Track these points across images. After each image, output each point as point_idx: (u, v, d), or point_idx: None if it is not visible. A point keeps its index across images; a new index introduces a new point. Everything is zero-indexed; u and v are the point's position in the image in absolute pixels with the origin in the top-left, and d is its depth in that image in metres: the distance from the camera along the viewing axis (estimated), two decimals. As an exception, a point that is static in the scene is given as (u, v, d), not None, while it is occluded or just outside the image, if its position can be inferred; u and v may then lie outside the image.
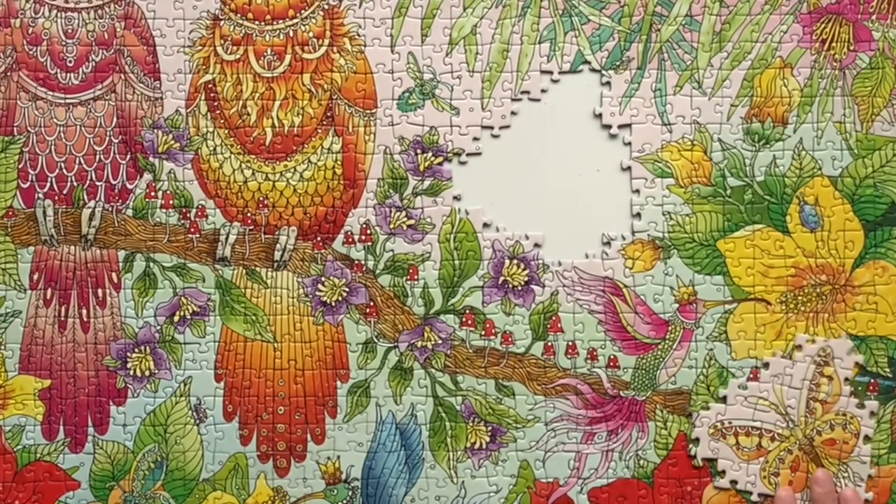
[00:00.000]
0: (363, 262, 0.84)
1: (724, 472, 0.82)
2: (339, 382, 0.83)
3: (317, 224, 0.84)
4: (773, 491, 0.82)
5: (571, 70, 0.85)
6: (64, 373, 0.83)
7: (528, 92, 0.85)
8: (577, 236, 0.84)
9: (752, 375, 0.83)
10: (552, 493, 0.83)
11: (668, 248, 0.84)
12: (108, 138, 0.83)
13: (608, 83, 0.85)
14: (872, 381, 0.83)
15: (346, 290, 0.83)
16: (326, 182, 0.84)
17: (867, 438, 0.82)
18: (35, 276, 0.83)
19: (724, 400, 0.83)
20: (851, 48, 0.85)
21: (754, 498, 0.82)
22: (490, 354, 0.83)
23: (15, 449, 0.82)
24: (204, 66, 0.84)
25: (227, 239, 0.83)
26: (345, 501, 0.83)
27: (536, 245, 0.84)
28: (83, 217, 0.83)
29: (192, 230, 0.84)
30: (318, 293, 0.83)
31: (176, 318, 0.83)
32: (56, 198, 0.83)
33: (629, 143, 0.84)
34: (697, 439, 0.82)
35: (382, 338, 0.84)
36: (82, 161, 0.83)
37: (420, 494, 0.83)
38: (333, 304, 0.83)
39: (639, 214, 0.84)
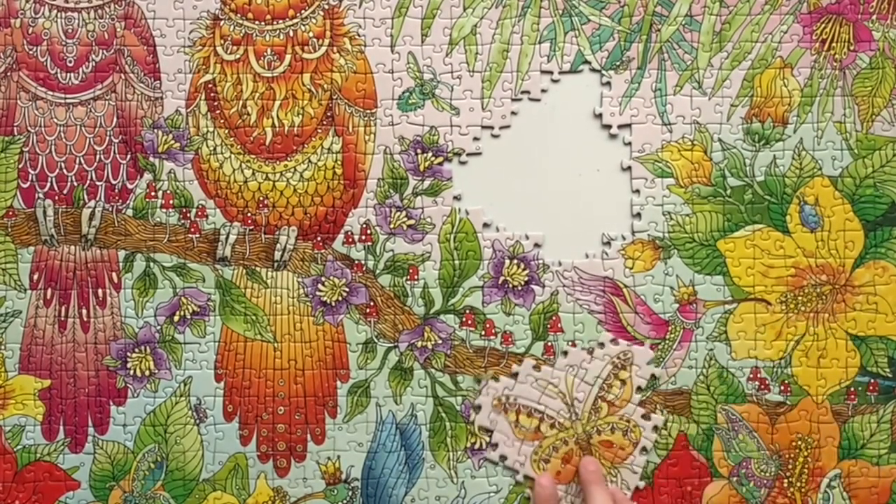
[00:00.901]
0: (363, 262, 0.84)
1: (497, 444, 0.82)
2: (339, 382, 0.83)
3: (317, 224, 0.84)
4: (538, 475, 0.81)
5: (571, 70, 0.85)
6: (64, 373, 0.83)
7: (528, 92, 0.85)
8: (577, 236, 0.84)
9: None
10: (552, 493, 0.83)
11: (668, 248, 0.84)
12: (108, 138, 0.83)
13: (608, 83, 0.85)
14: (872, 381, 0.83)
15: (346, 290, 0.83)
16: (326, 182, 0.84)
17: (644, 450, 0.82)
18: (35, 276, 0.83)
19: (515, 376, 0.82)
20: (851, 48, 0.85)
21: (519, 478, 0.82)
22: (490, 354, 0.83)
23: (15, 449, 0.82)
24: (204, 66, 0.84)
25: (227, 239, 0.83)
26: (345, 501, 0.83)
27: (536, 245, 0.84)
28: (83, 217, 0.83)
29: (193, 230, 0.84)
30: (318, 293, 0.83)
31: (176, 318, 0.83)
32: (56, 198, 0.83)
33: (629, 143, 0.84)
34: (480, 406, 0.82)
35: (382, 338, 0.84)
36: (82, 161, 0.83)
37: (420, 494, 0.83)
38: (333, 304, 0.83)
39: (639, 214, 0.84)
